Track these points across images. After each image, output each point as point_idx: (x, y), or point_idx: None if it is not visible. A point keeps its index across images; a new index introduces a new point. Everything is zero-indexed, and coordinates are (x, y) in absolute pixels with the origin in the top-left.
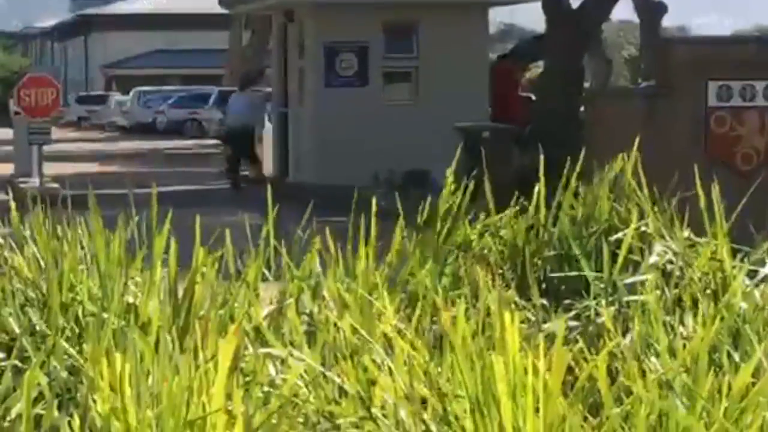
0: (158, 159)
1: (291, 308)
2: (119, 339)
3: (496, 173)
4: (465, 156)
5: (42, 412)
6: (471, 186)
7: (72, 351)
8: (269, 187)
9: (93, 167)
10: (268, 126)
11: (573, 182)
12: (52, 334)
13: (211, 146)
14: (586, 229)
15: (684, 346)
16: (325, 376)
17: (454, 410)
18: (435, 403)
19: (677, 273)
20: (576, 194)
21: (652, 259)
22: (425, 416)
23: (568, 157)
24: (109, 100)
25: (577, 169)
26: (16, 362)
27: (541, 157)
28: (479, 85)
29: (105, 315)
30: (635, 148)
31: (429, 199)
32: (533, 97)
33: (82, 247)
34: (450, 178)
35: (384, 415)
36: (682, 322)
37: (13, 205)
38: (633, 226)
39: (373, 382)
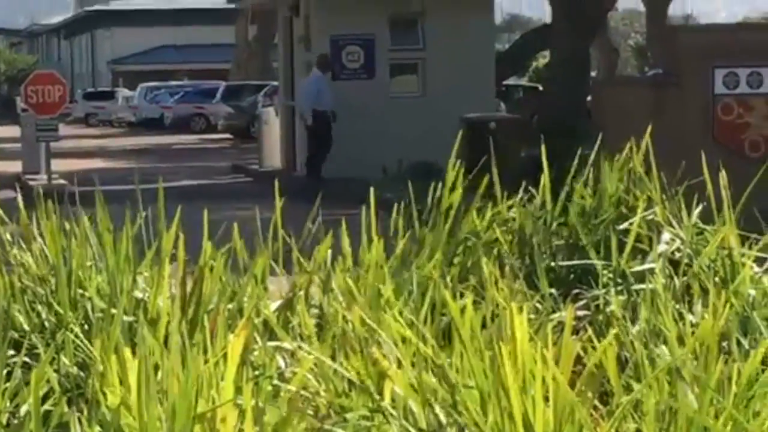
0: (166, 154)
1: (300, 301)
2: (128, 334)
3: (503, 164)
4: (472, 147)
5: (52, 408)
6: (478, 177)
7: (82, 346)
8: (276, 181)
9: (101, 163)
10: (275, 119)
11: (581, 171)
12: (61, 330)
13: (219, 141)
14: (594, 218)
15: (693, 333)
16: (335, 370)
17: (464, 401)
18: (444, 395)
19: (685, 261)
20: (584, 183)
21: (661, 247)
22: (435, 408)
23: (575, 147)
24: (116, 96)
25: (586, 158)
26: (26, 359)
27: (542, 147)
28: (486, 76)
29: (114, 311)
30: (643, 136)
31: (437, 191)
32: (540, 88)
33: (90, 244)
34: (451, 169)
35: (394, 407)
36: (690, 310)
37: (21, 202)
38: (640, 214)
39: (382, 375)
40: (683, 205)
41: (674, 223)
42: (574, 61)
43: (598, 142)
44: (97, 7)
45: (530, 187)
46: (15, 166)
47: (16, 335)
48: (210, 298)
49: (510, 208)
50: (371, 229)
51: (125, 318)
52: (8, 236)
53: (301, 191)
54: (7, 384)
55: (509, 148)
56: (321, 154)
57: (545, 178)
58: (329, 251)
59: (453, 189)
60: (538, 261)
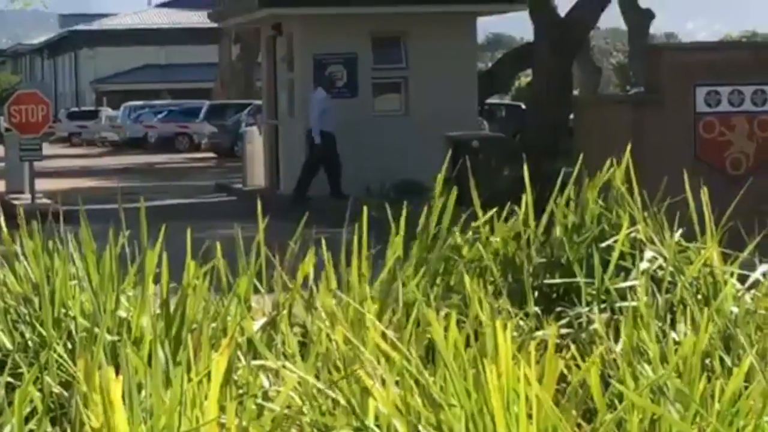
0: (150, 173)
1: (284, 320)
2: (112, 354)
3: (486, 182)
4: (455, 165)
5: (35, 428)
6: (460, 194)
7: (66, 365)
8: (259, 199)
9: (85, 183)
10: (258, 138)
11: (564, 190)
12: (44, 349)
13: (202, 160)
14: (577, 236)
15: (676, 351)
16: (319, 389)
17: (448, 420)
18: (428, 414)
19: (668, 278)
20: (567, 202)
21: (643, 265)
22: (419, 427)
23: (558, 165)
24: (99, 115)
25: (568, 176)
26: (10, 379)
27: (525, 165)
28: (469, 95)
29: (97, 330)
30: (625, 154)
31: (420, 209)
32: (523, 106)
33: (74, 263)
34: (438, 187)
35: (378, 426)
36: (673, 328)
37: (3, 222)
38: (623, 232)
39: (366, 393)
40: (666, 223)
41: (656, 240)
42: (556, 80)
43: (580, 160)
44: (80, 26)
45: (513, 205)
46: None
47: None
48: (193, 317)
49: (491, 222)
50: (356, 248)
51: (109, 337)
52: None
53: (285, 209)
54: None
55: (492, 166)
56: (335, 174)
57: (527, 196)
58: (312, 270)
59: (436, 207)
60: (526, 279)
